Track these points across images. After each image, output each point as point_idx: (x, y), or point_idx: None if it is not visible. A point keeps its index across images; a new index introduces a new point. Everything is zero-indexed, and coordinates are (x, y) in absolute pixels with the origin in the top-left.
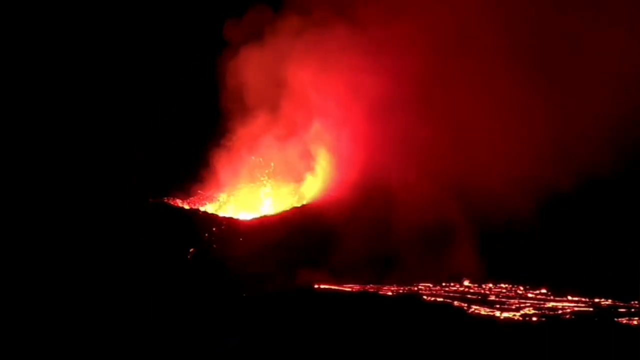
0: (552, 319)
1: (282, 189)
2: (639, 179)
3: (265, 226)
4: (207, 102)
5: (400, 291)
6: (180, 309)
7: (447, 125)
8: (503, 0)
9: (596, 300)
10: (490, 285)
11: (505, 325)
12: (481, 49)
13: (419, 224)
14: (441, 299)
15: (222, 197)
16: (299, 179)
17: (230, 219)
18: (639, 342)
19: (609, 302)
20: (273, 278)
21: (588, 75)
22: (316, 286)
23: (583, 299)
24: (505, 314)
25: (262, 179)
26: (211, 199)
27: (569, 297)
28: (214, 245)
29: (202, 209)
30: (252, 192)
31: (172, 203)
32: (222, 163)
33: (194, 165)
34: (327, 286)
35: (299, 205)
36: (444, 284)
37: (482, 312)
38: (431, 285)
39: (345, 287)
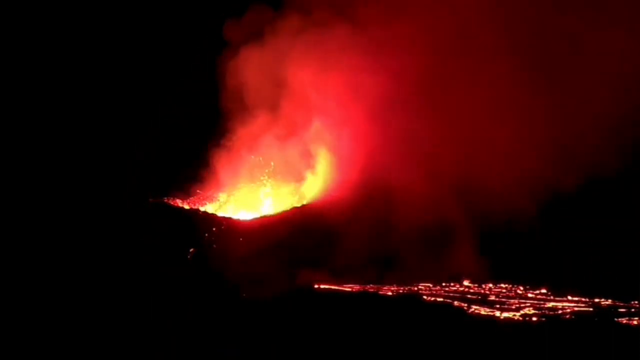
0: (552, 319)
1: (282, 188)
2: (639, 179)
3: (265, 226)
4: (207, 102)
5: (400, 291)
6: (180, 309)
7: (448, 125)
8: (503, 0)
9: (596, 300)
10: (490, 285)
11: (505, 325)
12: (482, 49)
13: (420, 223)
14: (441, 299)
15: (222, 197)
16: (299, 179)
17: (230, 219)
18: (639, 342)
19: (609, 302)
20: (273, 278)
21: (588, 75)
22: (316, 286)
23: (583, 299)
24: (505, 314)
25: (262, 178)
26: (211, 199)
27: (569, 297)
28: (214, 245)
29: (202, 209)
30: (252, 192)
31: (172, 203)
32: (222, 163)
33: (194, 165)
34: (327, 286)
35: (299, 205)
36: (444, 284)
37: (482, 312)
38: (431, 285)
39: (345, 287)
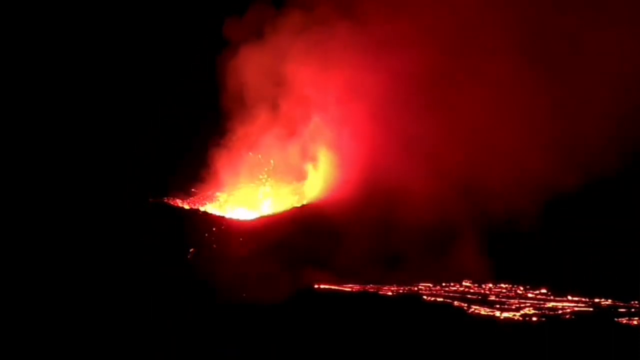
0: (552, 319)
1: (282, 188)
2: (639, 179)
3: (265, 226)
4: (207, 102)
5: (400, 291)
6: (180, 309)
7: (449, 125)
8: (504, 1)
9: (596, 300)
10: (490, 285)
11: (505, 325)
12: (482, 49)
13: (422, 223)
14: (441, 299)
15: (222, 196)
16: (300, 178)
17: (230, 219)
18: (639, 342)
19: (609, 302)
20: (273, 278)
21: (589, 75)
22: (316, 286)
23: (583, 299)
24: (505, 314)
25: (262, 178)
26: (211, 199)
27: (569, 297)
28: (214, 245)
29: (202, 209)
30: (253, 191)
31: (172, 203)
32: (222, 162)
33: (194, 165)
34: (327, 286)
35: (299, 205)
36: (444, 284)
37: (482, 312)
38: (431, 285)
39: (345, 287)
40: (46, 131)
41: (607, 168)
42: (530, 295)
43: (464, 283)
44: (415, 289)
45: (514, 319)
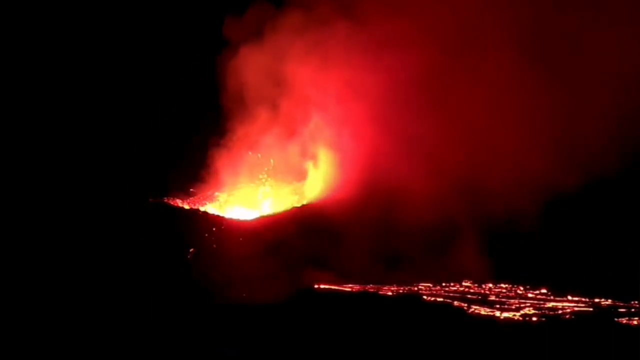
0: (552, 319)
1: (283, 188)
2: (639, 179)
3: (265, 226)
4: (207, 102)
5: (400, 291)
6: (180, 309)
7: (449, 125)
8: (504, 1)
9: (596, 300)
10: (490, 285)
11: (505, 325)
12: (482, 49)
13: (422, 223)
14: (441, 299)
15: (222, 196)
16: (300, 178)
17: (230, 219)
18: (639, 342)
19: (609, 302)
20: (273, 278)
21: (589, 75)
22: (316, 286)
23: (583, 299)
24: (505, 314)
25: (262, 178)
26: (211, 199)
27: (569, 297)
28: (214, 245)
29: (202, 209)
30: (253, 191)
31: (172, 203)
32: (222, 162)
33: (194, 165)
34: (327, 286)
35: (299, 205)
36: (444, 284)
37: (482, 312)
38: (431, 285)
39: (345, 287)
40: (46, 131)
41: (607, 168)
42: (530, 295)
43: (464, 283)
44: (415, 289)
45: (514, 319)
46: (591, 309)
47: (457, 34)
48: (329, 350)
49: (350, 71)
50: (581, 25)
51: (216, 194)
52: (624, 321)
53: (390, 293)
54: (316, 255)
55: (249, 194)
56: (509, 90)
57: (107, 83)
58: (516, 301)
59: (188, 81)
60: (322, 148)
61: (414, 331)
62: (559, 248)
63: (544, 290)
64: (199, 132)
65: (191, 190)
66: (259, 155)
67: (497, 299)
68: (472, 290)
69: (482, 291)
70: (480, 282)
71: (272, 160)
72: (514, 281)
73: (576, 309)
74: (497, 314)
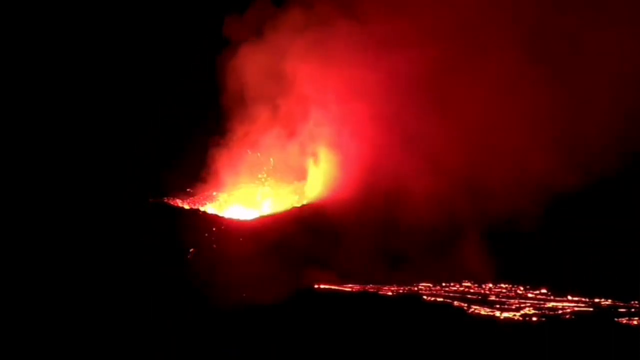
0: (552, 319)
1: (283, 188)
2: (639, 179)
3: (265, 226)
4: (207, 102)
5: (400, 291)
6: (180, 309)
7: (451, 125)
8: (504, 1)
9: (596, 300)
10: (490, 285)
11: (505, 325)
12: (483, 49)
13: (423, 223)
14: (441, 299)
15: (222, 196)
16: (300, 178)
17: (230, 219)
18: (639, 342)
19: (609, 302)
20: (273, 278)
21: (589, 76)
22: (316, 286)
23: (583, 299)
24: (505, 314)
25: (262, 178)
26: (211, 199)
27: (569, 297)
28: (214, 245)
29: (202, 209)
30: (252, 191)
31: (172, 203)
32: (222, 162)
33: (194, 165)
34: (327, 286)
35: (299, 205)
36: (444, 284)
37: (482, 312)
38: (431, 285)
39: (345, 287)
40: (46, 131)
41: (607, 168)
42: (530, 295)
43: (464, 283)
44: (415, 289)
45: (514, 319)
46: (591, 309)
47: (458, 33)
48: (329, 350)
49: (351, 70)
50: (582, 25)
51: (216, 193)
52: (624, 321)
53: (390, 293)
54: (316, 255)
55: (248, 193)
56: (509, 90)
57: (107, 83)
58: (516, 301)
59: (188, 81)
60: (322, 147)
61: (414, 331)
62: (559, 248)
63: (544, 290)
64: (199, 132)
65: (189, 190)
66: (259, 154)
67: (497, 299)
68: (472, 290)
69: (482, 291)
70: (480, 282)
71: (272, 160)
72: (514, 281)
73: (576, 309)
74: (497, 314)
